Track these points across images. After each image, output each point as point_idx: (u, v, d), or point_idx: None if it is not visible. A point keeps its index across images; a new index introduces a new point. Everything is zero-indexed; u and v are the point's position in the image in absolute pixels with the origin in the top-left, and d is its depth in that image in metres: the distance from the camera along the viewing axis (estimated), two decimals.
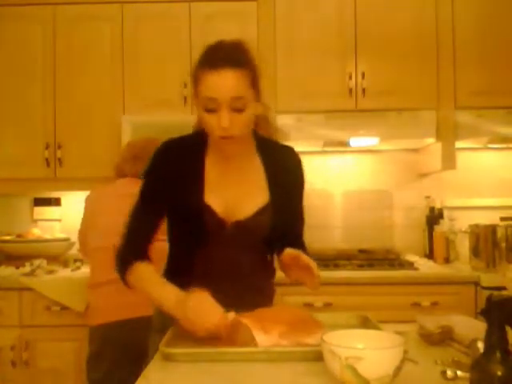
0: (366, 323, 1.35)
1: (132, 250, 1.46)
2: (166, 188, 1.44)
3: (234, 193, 1.46)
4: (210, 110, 1.34)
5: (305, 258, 1.32)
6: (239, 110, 1.33)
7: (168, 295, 1.34)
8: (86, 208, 2.28)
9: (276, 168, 1.51)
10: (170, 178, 1.44)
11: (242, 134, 1.39)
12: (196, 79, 1.36)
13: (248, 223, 1.45)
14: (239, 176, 1.48)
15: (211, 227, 1.43)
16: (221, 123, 1.32)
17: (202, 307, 1.23)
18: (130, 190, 2.14)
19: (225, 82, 1.31)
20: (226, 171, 1.48)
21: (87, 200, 2.28)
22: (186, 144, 1.51)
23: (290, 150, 1.57)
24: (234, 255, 1.46)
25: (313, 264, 1.32)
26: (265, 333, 1.18)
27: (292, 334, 1.18)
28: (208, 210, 1.42)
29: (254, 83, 1.38)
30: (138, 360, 2.02)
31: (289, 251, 1.32)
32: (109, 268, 2.01)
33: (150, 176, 1.50)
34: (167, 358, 1.14)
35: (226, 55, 1.34)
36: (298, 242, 1.54)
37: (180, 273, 1.47)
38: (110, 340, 2.00)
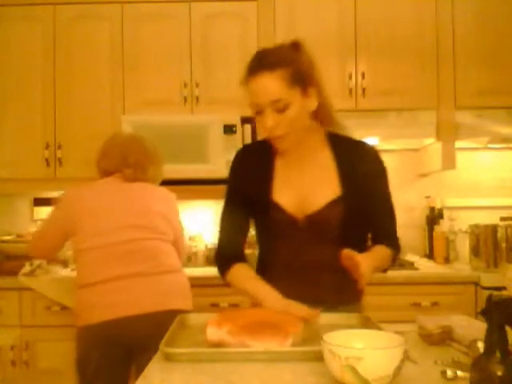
0: (366, 323, 1.35)
1: (228, 252, 1.57)
2: (243, 190, 1.54)
3: (304, 188, 1.49)
4: (257, 113, 1.42)
5: (359, 258, 1.28)
6: (281, 110, 1.39)
7: (263, 295, 1.41)
8: (61, 208, 2.15)
9: (349, 160, 1.51)
10: (245, 179, 1.54)
11: (292, 132, 1.42)
12: (245, 86, 1.44)
13: (319, 216, 1.46)
14: (310, 172, 1.51)
15: (282, 224, 1.49)
16: (265, 124, 1.41)
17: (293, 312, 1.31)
18: (117, 189, 2.14)
19: (261, 87, 1.39)
20: (295, 168, 1.52)
21: (68, 199, 2.15)
22: (257, 147, 1.60)
23: (363, 144, 1.57)
24: (309, 249, 1.50)
25: (362, 266, 1.27)
26: (217, 327, 1.20)
27: (240, 334, 1.18)
28: (276, 207, 1.48)
29: (297, 80, 1.39)
30: (128, 359, 2.03)
31: (346, 251, 1.30)
32: (103, 267, 2.02)
33: (230, 179, 1.60)
34: (167, 357, 1.14)
35: (260, 59, 1.41)
36: (387, 239, 1.53)
37: (266, 266, 1.56)
38: (106, 339, 1.99)
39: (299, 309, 1.31)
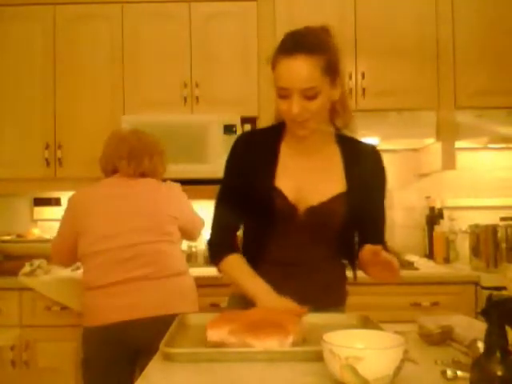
0: (366, 323, 1.35)
1: (221, 242, 1.53)
2: (243, 174, 1.48)
3: (309, 179, 1.46)
4: (282, 96, 1.36)
5: (385, 253, 1.29)
6: (310, 98, 1.35)
7: (254, 289, 1.42)
8: (70, 209, 2.15)
9: (355, 160, 1.50)
10: (246, 165, 1.49)
11: (315, 120, 1.39)
12: (272, 66, 1.38)
13: (321, 209, 1.44)
14: (315, 163, 1.49)
15: (282, 212, 1.44)
16: (291, 110, 1.35)
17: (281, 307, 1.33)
18: (121, 190, 2.13)
19: (296, 72, 1.33)
20: (301, 157, 1.49)
21: (74, 202, 2.16)
22: (263, 133, 1.57)
23: (372, 148, 1.56)
24: (305, 243, 1.47)
25: (392, 258, 1.29)
26: (218, 327, 1.20)
27: (241, 333, 1.17)
28: (278, 193, 1.44)
29: (330, 69, 1.36)
30: (134, 361, 2.03)
31: (369, 246, 1.28)
32: (110, 271, 2.02)
33: (228, 166, 1.55)
34: (167, 357, 1.14)
35: (299, 41, 1.35)
36: (378, 242, 1.51)
37: (254, 258, 1.50)
38: (109, 341, 1.99)
39: (287, 305, 1.31)
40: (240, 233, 1.59)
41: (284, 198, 1.44)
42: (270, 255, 1.49)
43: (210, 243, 1.56)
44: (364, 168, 1.50)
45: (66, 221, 2.17)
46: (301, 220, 1.45)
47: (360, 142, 1.57)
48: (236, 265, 1.50)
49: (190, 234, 2.30)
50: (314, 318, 1.34)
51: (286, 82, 1.34)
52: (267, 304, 1.35)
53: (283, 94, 1.36)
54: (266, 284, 1.41)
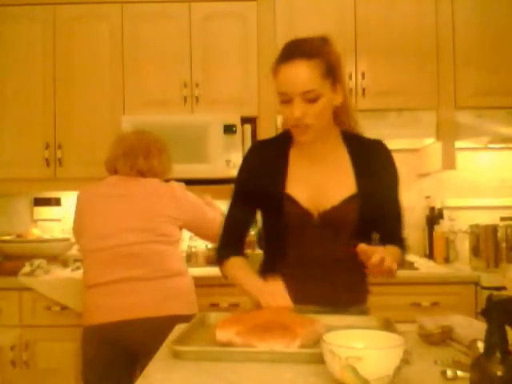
0: (387, 325, 1.30)
1: (228, 245, 1.58)
2: (255, 183, 1.51)
3: (320, 184, 1.47)
4: (284, 102, 1.39)
5: (377, 252, 1.26)
6: (312, 101, 1.37)
7: (249, 284, 1.45)
8: (78, 206, 2.21)
9: (364, 160, 1.51)
10: (257, 173, 1.51)
11: (317, 124, 1.41)
12: (274, 75, 1.41)
13: (335, 213, 1.45)
14: (325, 167, 1.50)
15: (295, 218, 1.46)
16: (293, 114, 1.37)
17: (274, 291, 1.35)
18: (120, 190, 2.14)
19: (295, 75, 1.36)
20: (311, 163, 1.50)
21: (78, 199, 2.21)
22: (273, 141, 1.59)
23: (378, 143, 1.57)
24: (322, 247, 1.48)
25: (383, 258, 1.25)
26: (226, 328, 1.21)
27: (248, 335, 1.17)
28: (290, 199, 1.46)
29: (330, 73, 1.39)
30: (132, 361, 2.03)
31: (362, 246, 1.29)
32: (105, 270, 2.03)
33: (240, 174, 1.58)
34: (174, 355, 1.14)
35: (297, 47, 1.39)
36: (395, 240, 1.55)
37: (275, 265, 1.53)
38: (106, 341, 1.99)
39: (273, 299, 1.32)
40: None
41: (297, 204, 1.46)
42: (290, 258, 1.51)
43: (217, 248, 1.61)
44: (374, 165, 1.51)
45: (74, 217, 2.23)
46: (315, 225, 1.46)
47: (366, 139, 1.57)
48: (237, 266, 1.53)
49: (202, 235, 2.28)
50: (333, 321, 1.33)
51: (287, 87, 1.37)
52: (257, 298, 1.37)
53: (285, 99, 1.39)
54: (258, 280, 1.44)
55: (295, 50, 1.38)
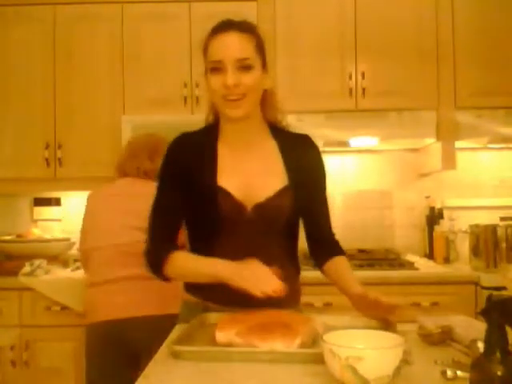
0: (386, 326, 1.29)
1: (162, 243, 1.46)
2: (181, 177, 1.44)
3: (251, 176, 1.44)
4: (215, 69, 1.37)
5: (372, 295, 1.26)
6: (245, 68, 1.36)
7: (220, 266, 1.34)
8: (86, 207, 2.25)
9: (292, 153, 1.49)
10: (183, 167, 1.45)
11: (250, 97, 1.38)
12: (204, 51, 1.41)
13: (269, 205, 1.42)
14: (255, 160, 1.47)
15: (229, 211, 1.40)
16: (226, 81, 1.34)
17: (260, 272, 1.27)
18: (130, 190, 2.16)
19: (230, 42, 1.37)
20: (240, 154, 1.47)
21: (88, 199, 2.25)
22: (198, 134, 1.53)
23: (305, 138, 1.55)
24: (256, 242, 1.43)
25: (384, 300, 1.26)
26: (226, 328, 1.20)
27: (248, 335, 1.17)
28: (223, 192, 1.40)
29: (260, 51, 1.41)
30: (135, 359, 2.03)
31: (355, 291, 1.28)
32: (109, 267, 2.04)
33: (164, 169, 1.50)
34: (173, 355, 1.14)
35: (230, 22, 1.42)
36: (327, 237, 1.54)
37: None
38: (111, 339, 2.00)
39: (263, 283, 1.24)
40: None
41: (230, 196, 1.40)
42: (221, 256, 1.38)
43: (146, 252, 1.47)
44: (303, 158, 1.50)
45: (84, 217, 2.24)
46: (249, 218, 1.42)
47: (294, 134, 1.56)
48: (187, 257, 1.43)
49: None
50: (333, 321, 1.32)
51: (222, 54, 1.36)
52: (235, 276, 1.28)
53: (217, 67, 1.36)
54: (230, 262, 1.33)
55: (229, 25, 1.40)
